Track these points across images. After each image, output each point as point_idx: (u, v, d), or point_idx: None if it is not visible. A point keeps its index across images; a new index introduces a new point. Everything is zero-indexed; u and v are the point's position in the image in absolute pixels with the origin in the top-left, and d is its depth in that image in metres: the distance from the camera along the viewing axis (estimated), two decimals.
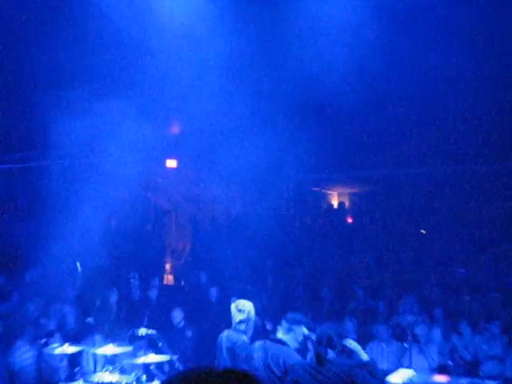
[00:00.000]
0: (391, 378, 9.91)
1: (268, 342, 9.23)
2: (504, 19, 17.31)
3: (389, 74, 17.98)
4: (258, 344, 9.33)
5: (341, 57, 16.28)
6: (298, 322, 9.36)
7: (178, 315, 15.16)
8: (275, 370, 8.80)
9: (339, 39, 16.57)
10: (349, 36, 16.52)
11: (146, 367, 11.22)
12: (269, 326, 13.68)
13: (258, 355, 9.14)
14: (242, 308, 9.83)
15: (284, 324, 9.59)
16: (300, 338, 9.21)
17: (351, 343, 8.24)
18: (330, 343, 7.94)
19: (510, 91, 18.82)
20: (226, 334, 9.88)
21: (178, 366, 11.74)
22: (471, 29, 16.67)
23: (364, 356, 8.36)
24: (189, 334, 14.43)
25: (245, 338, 9.79)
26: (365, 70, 17.39)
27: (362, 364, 8.24)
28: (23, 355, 12.74)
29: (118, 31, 15.99)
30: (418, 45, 17.56)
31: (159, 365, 11.66)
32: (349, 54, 16.37)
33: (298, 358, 8.84)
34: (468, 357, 13.84)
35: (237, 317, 9.81)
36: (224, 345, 9.81)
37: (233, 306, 10.00)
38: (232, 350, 9.74)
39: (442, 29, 17.19)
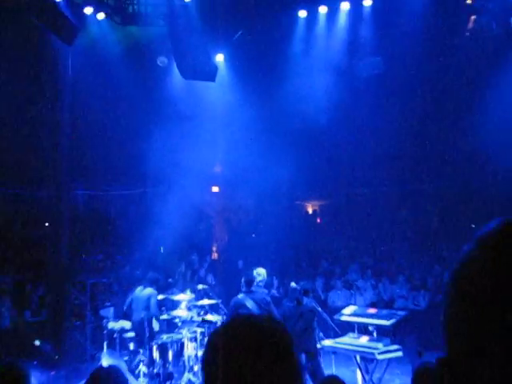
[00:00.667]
0: (344, 311, 10.56)
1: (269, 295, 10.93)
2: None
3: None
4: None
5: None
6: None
7: (210, 278, 17.52)
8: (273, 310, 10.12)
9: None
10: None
11: (202, 307, 12.59)
12: (274, 282, 16.42)
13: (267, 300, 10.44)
14: (260, 272, 11.29)
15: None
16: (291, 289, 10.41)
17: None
18: (306, 293, 9.61)
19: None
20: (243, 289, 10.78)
21: (221, 306, 12.95)
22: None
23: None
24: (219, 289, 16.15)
25: (264, 290, 11.15)
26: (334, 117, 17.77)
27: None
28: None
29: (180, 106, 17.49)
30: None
31: (210, 306, 12.78)
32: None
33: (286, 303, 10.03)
34: (386, 297, 16.31)
35: (257, 278, 11.19)
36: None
37: (254, 272, 11.36)
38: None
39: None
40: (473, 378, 1.00)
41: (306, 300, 9.40)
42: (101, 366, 4.07)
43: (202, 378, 1.63)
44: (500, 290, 1.01)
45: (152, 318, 12.45)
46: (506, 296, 0.99)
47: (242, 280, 10.60)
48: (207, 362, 1.62)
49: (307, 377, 8.94)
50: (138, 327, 12.57)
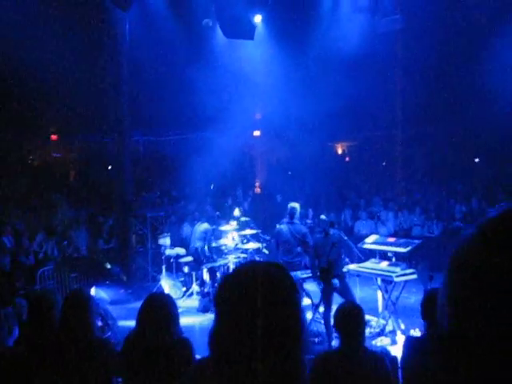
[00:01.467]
0: (367, 240, 10.39)
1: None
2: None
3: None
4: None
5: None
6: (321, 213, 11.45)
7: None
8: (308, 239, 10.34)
9: None
10: None
11: (245, 237, 12.72)
12: (309, 213, 16.32)
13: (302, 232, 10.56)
14: (294, 205, 10.90)
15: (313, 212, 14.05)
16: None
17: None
18: (332, 225, 9.35)
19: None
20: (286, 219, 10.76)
21: (262, 236, 12.95)
22: None
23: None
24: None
25: (297, 221, 10.81)
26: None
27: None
28: (185, 229, 15.30)
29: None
30: None
31: (252, 235, 12.80)
32: None
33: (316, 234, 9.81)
34: (406, 226, 16.18)
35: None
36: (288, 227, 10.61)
37: (289, 205, 11.02)
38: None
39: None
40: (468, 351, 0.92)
41: (332, 231, 9.23)
42: (155, 292, 4.20)
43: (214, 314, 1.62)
44: (498, 274, 0.91)
45: (204, 246, 12.72)
46: (504, 280, 0.90)
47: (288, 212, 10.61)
48: (217, 301, 1.61)
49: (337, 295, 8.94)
50: (193, 254, 12.95)
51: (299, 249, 10.41)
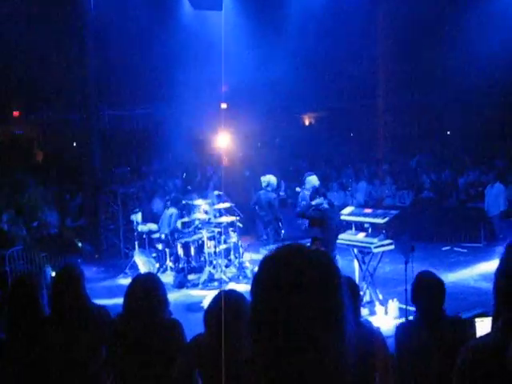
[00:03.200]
0: (343, 211, 10.12)
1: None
2: None
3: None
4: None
5: None
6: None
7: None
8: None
9: None
10: None
11: (218, 210, 12.67)
12: (282, 185, 15.82)
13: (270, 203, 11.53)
14: (265, 179, 11.88)
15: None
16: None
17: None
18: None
19: None
20: (264, 193, 11.82)
21: (236, 210, 12.85)
22: None
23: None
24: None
25: (273, 193, 11.75)
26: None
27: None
28: (156, 204, 15.28)
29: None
30: None
31: (225, 209, 12.66)
32: None
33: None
34: (377, 196, 16.13)
35: (263, 184, 11.95)
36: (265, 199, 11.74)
37: (262, 179, 12.02)
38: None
39: None
40: None
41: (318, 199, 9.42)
42: (141, 274, 4.15)
43: (251, 294, 1.53)
44: None
45: (174, 231, 12.57)
46: None
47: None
48: (256, 281, 1.52)
49: None
50: (164, 240, 12.86)
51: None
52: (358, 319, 4.05)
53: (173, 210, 12.62)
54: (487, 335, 2.08)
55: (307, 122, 26.23)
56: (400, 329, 4.41)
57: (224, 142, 17.57)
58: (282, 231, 11.69)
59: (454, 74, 17.86)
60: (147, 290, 3.94)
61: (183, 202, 13.41)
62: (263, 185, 11.94)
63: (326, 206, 9.38)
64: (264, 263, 1.52)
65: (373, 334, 3.88)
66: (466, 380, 1.96)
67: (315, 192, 9.47)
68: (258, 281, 1.51)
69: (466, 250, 12.67)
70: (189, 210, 13.46)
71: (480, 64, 16.49)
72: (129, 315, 3.95)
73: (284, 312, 1.41)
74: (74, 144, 17.98)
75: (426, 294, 4.19)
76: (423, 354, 4.05)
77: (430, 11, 17.25)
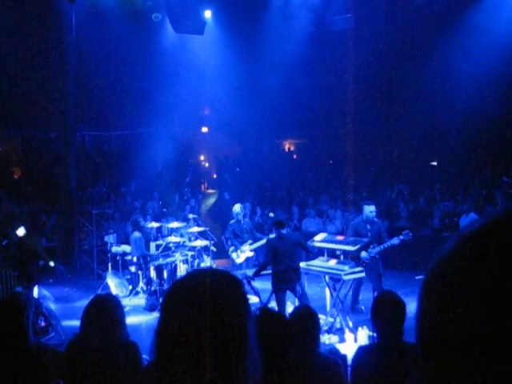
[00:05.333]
0: (315, 238, 10.21)
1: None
2: None
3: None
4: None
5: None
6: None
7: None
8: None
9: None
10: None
11: (193, 234, 12.66)
12: (258, 210, 16.27)
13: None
14: (235, 209, 11.69)
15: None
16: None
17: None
18: (283, 225, 9.21)
19: None
20: (232, 221, 11.70)
21: (210, 234, 12.82)
22: None
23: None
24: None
25: (246, 219, 11.84)
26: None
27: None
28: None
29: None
30: None
31: (200, 233, 12.82)
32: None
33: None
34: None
35: (234, 213, 11.72)
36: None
37: (233, 208, 11.85)
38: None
39: None
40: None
41: (287, 230, 9.29)
42: (101, 294, 4.03)
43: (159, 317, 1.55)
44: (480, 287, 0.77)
45: (145, 254, 12.39)
46: (487, 293, 0.76)
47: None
48: (163, 305, 1.55)
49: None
50: (137, 262, 12.65)
51: None
52: (316, 349, 4.01)
53: (136, 234, 12.39)
54: None
55: (287, 148, 26.39)
56: (358, 351, 4.19)
57: (204, 165, 17.52)
58: (235, 257, 11.58)
59: (432, 102, 18.19)
60: (103, 310, 3.84)
61: (158, 224, 13.34)
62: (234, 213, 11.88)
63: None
64: (171, 285, 1.58)
65: (329, 363, 3.85)
66: None
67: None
68: (164, 300, 1.55)
69: None
70: (163, 231, 13.58)
71: (456, 92, 16.61)
72: (84, 335, 3.87)
73: (179, 333, 1.43)
74: (52, 162, 17.83)
75: (384, 313, 3.91)
76: (377, 381, 3.85)
77: (409, 36, 17.51)
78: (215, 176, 20.44)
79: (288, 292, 9.02)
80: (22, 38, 15.41)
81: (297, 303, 8.81)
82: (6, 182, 19.07)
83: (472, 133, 18.15)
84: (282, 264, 8.83)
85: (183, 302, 1.47)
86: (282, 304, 8.85)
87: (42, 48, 15.82)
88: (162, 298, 1.58)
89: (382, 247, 9.51)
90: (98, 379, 3.72)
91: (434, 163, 20.35)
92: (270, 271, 9.41)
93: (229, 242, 11.65)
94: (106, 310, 3.85)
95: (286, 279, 8.84)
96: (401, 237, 9.43)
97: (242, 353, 1.45)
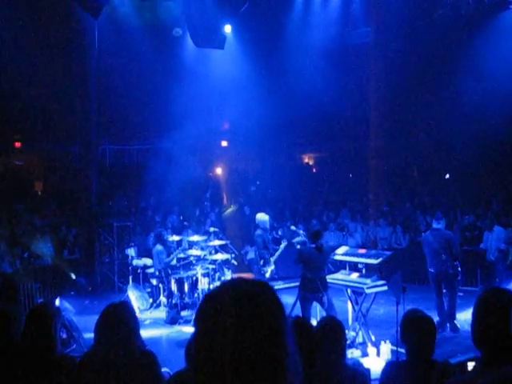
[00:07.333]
0: (337, 251, 10.18)
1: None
2: None
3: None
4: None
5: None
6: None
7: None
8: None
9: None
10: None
11: (213, 247, 12.44)
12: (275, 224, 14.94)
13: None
14: (258, 217, 11.44)
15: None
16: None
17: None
18: (320, 235, 9.17)
19: None
20: (258, 231, 11.16)
21: (231, 247, 12.94)
22: None
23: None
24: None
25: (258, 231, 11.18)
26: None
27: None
28: (151, 239, 14.30)
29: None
30: None
31: (221, 246, 12.70)
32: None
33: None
34: (372, 238, 16.09)
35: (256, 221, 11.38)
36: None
37: (257, 216, 11.54)
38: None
39: None
40: None
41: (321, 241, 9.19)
42: (113, 303, 3.90)
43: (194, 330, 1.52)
44: None
45: (166, 267, 12.33)
46: None
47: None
48: (196, 317, 1.52)
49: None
50: (158, 275, 12.65)
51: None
52: (343, 360, 3.97)
53: (158, 247, 12.41)
54: (464, 375, 2.09)
55: (307, 162, 26.36)
56: (387, 367, 4.18)
57: (223, 178, 17.47)
58: (266, 270, 11.43)
59: (452, 115, 18.09)
60: (113, 320, 3.72)
61: (179, 237, 13.32)
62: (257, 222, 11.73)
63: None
64: (203, 299, 1.54)
65: (355, 376, 3.82)
66: None
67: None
68: (196, 315, 1.52)
69: (461, 294, 12.44)
70: (183, 244, 13.41)
71: (476, 105, 16.71)
72: (97, 346, 3.76)
73: (219, 349, 1.41)
74: (73, 176, 17.99)
75: (414, 332, 3.92)
76: None
77: (428, 49, 17.51)
78: (235, 190, 20.17)
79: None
80: (45, 53, 15.61)
81: (318, 317, 8.74)
82: (28, 195, 19.26)
83: (492, 146, 18.01)
84: (310, 272, 8.83)
85: (217, 313, 1.44)
86: (306, 315, 8.78)
87: (64, 64, 15.90)
88: (196, 311, 1.54)
89: None
90: None
91: (450, 176, 20.32)
92: (292, 284, 9.34)
93: (255, 253, 11.37)
94: (117, 320, 3.74)
95: (313, 288, 8.80)
96: None
97: (282, 359, 1.43)
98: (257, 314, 1.43)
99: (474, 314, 2.56)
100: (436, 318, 9.59)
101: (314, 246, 9.00)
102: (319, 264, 8.88)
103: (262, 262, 11.03)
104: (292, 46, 17.38)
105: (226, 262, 12.62)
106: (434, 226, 10.33)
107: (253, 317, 1.43)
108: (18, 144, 22.35)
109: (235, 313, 1.42)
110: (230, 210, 18.69)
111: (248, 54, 17.57)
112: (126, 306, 3.92)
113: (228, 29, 16.25)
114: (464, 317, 10.50)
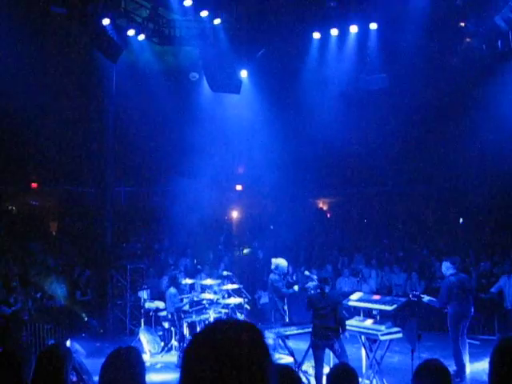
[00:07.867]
0: (351, 297, 10.27)
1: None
2: None
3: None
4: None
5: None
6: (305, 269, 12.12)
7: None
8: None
9: None
10: None
11: (227, 291, 12.54)
12: (289, 269, 14.96)
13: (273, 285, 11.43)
14: (274, 262, 11.82)
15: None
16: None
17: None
18: (327, 281, 9.05)
19: None
20: (271, 276, 11.72)
21: (244, 292, 12.96)
22: None
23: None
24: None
25: (276, 276, 11.61)
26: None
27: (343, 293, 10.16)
28: (165, 282, 14.49)
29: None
30: None
31: (234, 290, 12.72)
32: None
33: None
34: (387, 284, 16.02)
35: (272, 265, 11.87)
36: (270, 281, 11.76)
37: (272, 260, 11.97)
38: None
39: None
40: None
41: (328, 289, 9.02)
42: (120, 347, 3.78)
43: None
44: None
45: (178, 310, 12.28)
46: None
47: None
48: (182, 360, 1.53)
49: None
50: (170, 318, 12.60)
51: None
52: None
53: (172, 290, 12.39)
54: None
55: (321, 207, 26.31)
56: None
57: (237, 222, 17.55)
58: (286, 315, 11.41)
59: (467, 161, 18.19)
60: (121, 363, 3.51)
61: (192, 280, 13.43)
62: (272, 267, 11.87)
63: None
64: (187, 344, 1.54)
65: None
66: None
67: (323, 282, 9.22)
68: (181, 361, 1.53)
69: (478, 342, 12.27)
70: (196, 288, 13.66)
71: (490, 150, 16.80)
72: None
73: None
74: (88, 217, 18.14)
75: (427, 382, 3.74)
76: None
77: (443, 95, 17.65)
78: (249, 234, 20.25)
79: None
80: (63, 96, 15.97)
81: (331, 363, 8.59)
82: (43, 235, 19.36)
83: (508, 191, 18.00)
84: (318, 319, 8.72)
85: (197, 360, 1.45)
86: (319, 362, 8.66)
87: (81, 106, 16.22)
88: (181, 355, 1.54)
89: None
90: None
91: (463, 222, 20.16)
92: (305, 329, 9.28)
93: (269, 298, 11.56)
94: (122, 365, 3.51)
95: (324, 336, 8.66)
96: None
97: None
98: (235, 360, 1.43)
99: (490, 364, 2.47)
100: (453, 368, 9.44)
101: (319, 291, 8.94)
102: (325, 312, 8.71)
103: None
104: (307, 91, 17.40)
105: (238, 307, 12.56)
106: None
107: (232, 363, 1.42)
108: (34, 185, 22.64)
109: (214, 360, 1.42)
110: (244, 253, 18.65)
111: (263, 98, 17.77)
112: (133, 351, 3.75)
113: (244, 74, 16.42)
114: (482, 366, 10.29)
